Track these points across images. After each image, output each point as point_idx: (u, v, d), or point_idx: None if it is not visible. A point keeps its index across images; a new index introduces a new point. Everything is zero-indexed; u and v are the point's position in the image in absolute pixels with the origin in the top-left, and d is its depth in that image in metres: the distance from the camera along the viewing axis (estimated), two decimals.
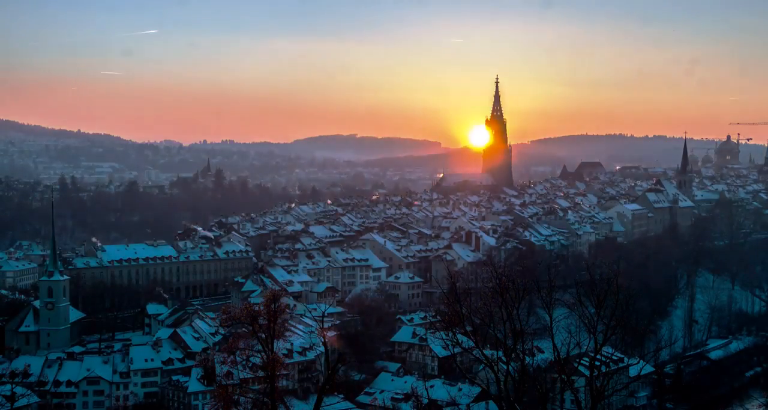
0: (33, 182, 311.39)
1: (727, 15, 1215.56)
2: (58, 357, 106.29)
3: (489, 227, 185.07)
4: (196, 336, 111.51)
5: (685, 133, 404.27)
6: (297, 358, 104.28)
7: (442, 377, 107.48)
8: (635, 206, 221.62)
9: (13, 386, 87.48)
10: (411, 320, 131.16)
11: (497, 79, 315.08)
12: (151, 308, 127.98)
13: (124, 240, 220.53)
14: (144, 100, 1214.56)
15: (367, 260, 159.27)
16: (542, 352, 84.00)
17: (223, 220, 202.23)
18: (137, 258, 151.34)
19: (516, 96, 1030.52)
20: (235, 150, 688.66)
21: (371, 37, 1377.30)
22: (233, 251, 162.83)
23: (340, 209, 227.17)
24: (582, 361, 61.49)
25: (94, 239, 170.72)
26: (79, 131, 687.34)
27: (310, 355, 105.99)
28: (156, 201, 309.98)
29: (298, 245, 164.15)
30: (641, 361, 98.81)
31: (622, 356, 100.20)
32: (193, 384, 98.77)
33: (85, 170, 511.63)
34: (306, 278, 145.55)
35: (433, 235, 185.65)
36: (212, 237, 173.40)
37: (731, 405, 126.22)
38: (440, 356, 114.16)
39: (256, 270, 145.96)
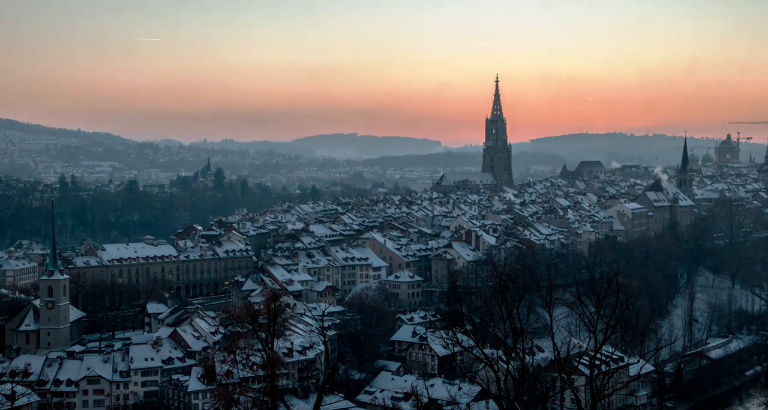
0: (33, 181, 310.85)
1: (728, 15, 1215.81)
2: (58, 356, 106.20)
3: (489, 226, 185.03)
4: (197, 335, 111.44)
5: (685, 132, 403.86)
6: (297, 357, 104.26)
7: (442, 376, 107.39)
8: (635, 205, 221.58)
9: (14, 385, 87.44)
10: (411, 319, 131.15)
11: (497, 78, 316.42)
12: (152, 307, 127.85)
13: (124, 239, 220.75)
14: (143, 99, 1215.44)
15: (367, 259, 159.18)
16: (542, 351, 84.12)
17: (223, 219, 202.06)
18: (137, 257, 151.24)
19: (516, 95, 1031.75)
20: (235, 149, 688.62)
21: (371, 36, 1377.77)
22: (233, 250, 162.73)
23: (340, 208, 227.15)
24: (582, 360, 61.64)
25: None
26: (79, 130, 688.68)
27: (310, 354, 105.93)
28: (156, 200, 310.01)
29: (298, 244, 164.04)
30: (641, 360, 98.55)
31: (622, 355, 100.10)
32: (194, 383, 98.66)
33: (85, 169, 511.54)
34: (306, 277, 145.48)
35: (433, 234, 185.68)
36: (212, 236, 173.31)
37: (731, 404, 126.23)
38: (440, 355, 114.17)
39: (256, 269, 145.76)
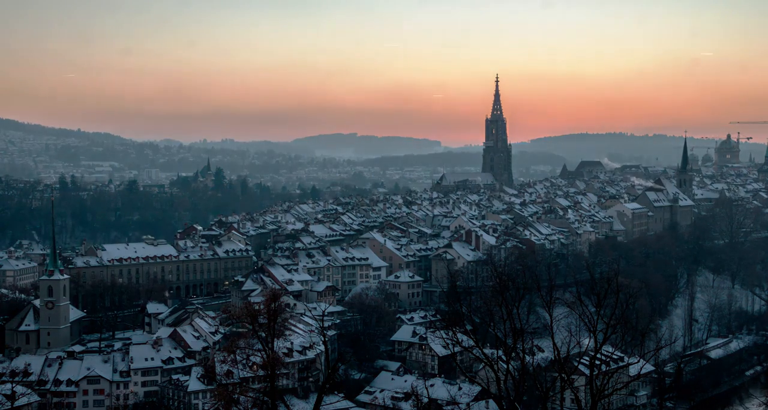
0: (33, 181, 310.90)
1: (728, 15, 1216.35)
2: (59, 356, 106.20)
3: (489, 226, 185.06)
4: (197, 335, 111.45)
5: (686, 132, 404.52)
6: (297, 357, 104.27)
7: (442, 376, 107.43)
8: (635, 205, 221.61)
9: (14, 385, 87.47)
10: (411, 319, 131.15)
11: (497, 77, 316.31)
12: (151, 307, 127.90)
13: (124, 239, 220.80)
14: (143, 99, 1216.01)
15: (367, 259, 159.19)
16: (542, 351, 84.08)
17: (223, 219, 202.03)
18: (137, 257, 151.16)
19: (516, 95, 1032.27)
20: (235, 149, 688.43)
21: (371, 36, 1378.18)
22: (233, 250, 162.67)
23: (340, 208, 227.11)
24: (582, 360, 61.61)
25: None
26: (79, 130, 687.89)
27: (310, 354, 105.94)
28: (156, 200, 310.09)
29: (298, 244, 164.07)
30: (641, 360, 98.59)
31: (622, 355, 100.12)
32: (194, 383, 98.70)
33: (85, 169, 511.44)
34: (306, 277, 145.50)
35: (433, 234, 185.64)
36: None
37: (731, 404, 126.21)
38: (440, 355, 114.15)
39: (256, 269, 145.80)
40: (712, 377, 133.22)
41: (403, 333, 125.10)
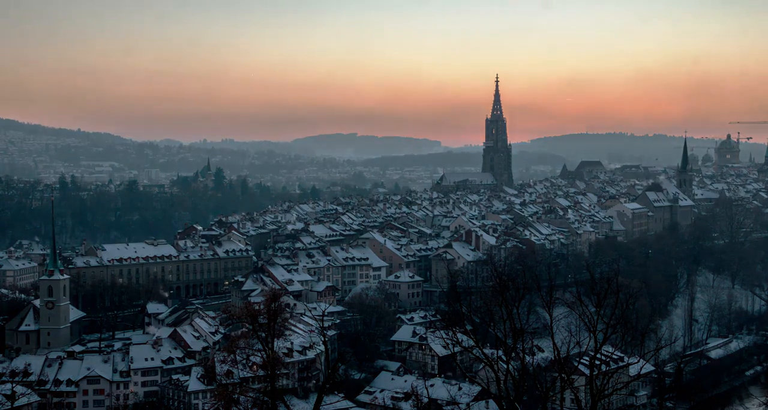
0: (33, 181, 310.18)
1: (728, 15, 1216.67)
2: (59, 356, 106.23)
3: (489, 226, 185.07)
4: (197, 335, 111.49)
5: (686, 132, 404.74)
6: (297, 357, 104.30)
7: (442, 376, 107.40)
8: (635, 205, 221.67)
9: (14, 385, 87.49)
10: (411, 319, 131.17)
11: (497, 78, 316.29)
12: (151, 307, 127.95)
13: (124, 239, 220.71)
14: (143, 99, 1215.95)
15: (367, 259, 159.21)
16: (542, 351, 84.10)
17: (223, 219, 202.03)
18: (137, 257, 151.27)
19: (516, 95, 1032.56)
20: (235, 149, 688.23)
21: (371, 36, 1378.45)
22: (233, 250, 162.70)
23: (340, 208, 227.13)
24: (582, 360, 61.64)
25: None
26: (79, 130, 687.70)
27: (310, 354, 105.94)
28: (156, 200, 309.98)
29: (298, 244, 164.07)
30: (641, 360, 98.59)
31: (622, 355, 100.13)
32: (194, 383, 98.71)
33: (85, 169, 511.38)
34: (306, 277, 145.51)
35: (433, 234, 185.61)
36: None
37: (731, 403, 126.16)
38: (440, 355, 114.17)
39: (256, 269, 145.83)
40: (712, 377, 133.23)
41: (403, 333, 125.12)
